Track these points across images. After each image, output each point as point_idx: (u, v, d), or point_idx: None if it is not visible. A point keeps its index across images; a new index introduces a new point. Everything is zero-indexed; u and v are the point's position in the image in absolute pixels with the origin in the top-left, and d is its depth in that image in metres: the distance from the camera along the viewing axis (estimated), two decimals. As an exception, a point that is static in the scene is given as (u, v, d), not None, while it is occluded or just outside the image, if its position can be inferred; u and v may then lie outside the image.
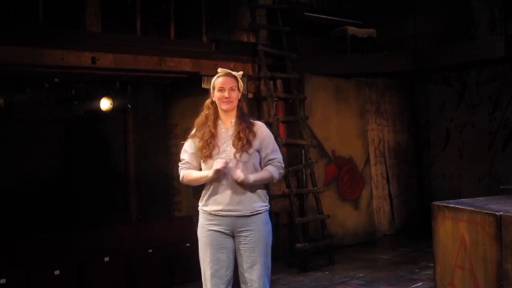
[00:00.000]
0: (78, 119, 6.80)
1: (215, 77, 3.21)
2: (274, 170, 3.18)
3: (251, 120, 3.23)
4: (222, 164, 3.00)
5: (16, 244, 5.11)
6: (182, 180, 3.24)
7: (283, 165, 3.27)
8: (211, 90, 3.21)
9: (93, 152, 6.87)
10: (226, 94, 3.12)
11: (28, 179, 6.24)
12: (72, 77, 5.95)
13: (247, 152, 3.10)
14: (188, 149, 3.22)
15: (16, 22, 5.14)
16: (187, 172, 3.20)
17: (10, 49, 4.95)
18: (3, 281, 4.59)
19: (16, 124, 6.29)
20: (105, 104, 6.58)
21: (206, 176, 3.10)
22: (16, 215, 5.99)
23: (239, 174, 3.01)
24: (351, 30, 7.75)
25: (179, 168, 3.25)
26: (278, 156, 3.23)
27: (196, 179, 3.17)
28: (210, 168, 3.08)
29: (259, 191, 3.20)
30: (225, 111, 3.16)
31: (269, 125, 6.34)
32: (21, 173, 6.21)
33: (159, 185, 6.89)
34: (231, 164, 3.05)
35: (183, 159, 3.23)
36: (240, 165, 3.09)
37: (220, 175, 3.07)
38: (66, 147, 6.84)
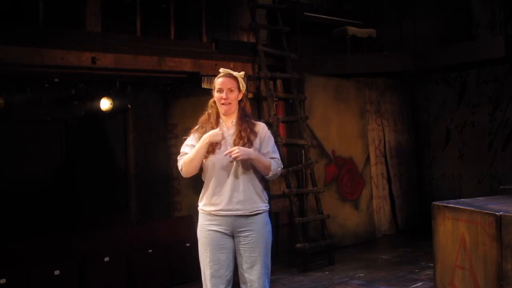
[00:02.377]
0: (78, 119, 6.79)
1: (216, 77, 3.22)
2: (274, 163, 3.16)
3: (253, 121, 3.23)
4: (218, 136, 3.03)
5: (16, 244, 5.11)
6: (181, 169, 3.15)
7: (282, 167, 3.27)
8: (213, 90, 3.22)
9: (93, 152, 6.86)
10: (223, 95, 3.12)
11: (28, 179, 6.23)
12: (72, 77, 5.95)
13: None
14: (189, 142, 3.20)
15: (16, 22, 5.14)
16: (184, 158, 3.14)
17: (10, 49, 4.95)
18: (3, 281, 4.60)
19: (16, 124, 6.28)
20: (105, 104, 6.57)
21: (200, 147, 3.05)
22: (16, 215, 5.99)
23: (240, 151, 2.99)
24: (351, 30, 7.75)
25: (178, 160, 3.19)
26: (278, 157, 3.24)
27: (192, 155, 3.08)
28: (212, 165, 3.10)
29: (259, 191, 3.19)
30: (223, 114, 3.17)
31: (269, 125, 6.35)
32: (21, 173, 6.21)
33: (159, 185, 6.88)
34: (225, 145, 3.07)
35: (182, 152, 3.19)
36: (240, 164, 3.10)
37: (220, 168, 3.08)
38: (66, 147, 6.83)
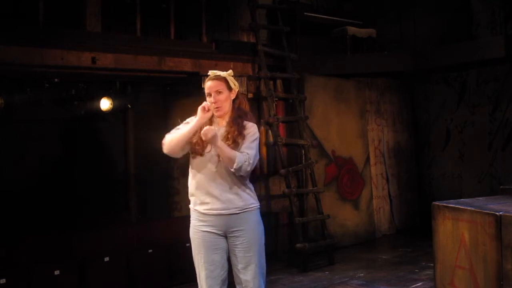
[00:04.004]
0: (78, 119, 6.79)
1: (206, 81, 3.18)
2: (240, 156, 3.01)
3: (245, 123, 3.15)
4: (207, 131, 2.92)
5: (16, 244, 5.11)
6: (164, 144, 3.07)
7: (251, 162, 3.05)
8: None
9: (93, 152, 6.86)
10: (212, 99, 3.09)
11: (28, 179, 6.23)
12: (72, 77, 5.95)
13: None
14: (182, 126, 3.16)
15: (16, 22, 5.14)
16: (174, 133, 3.07)
17: (10, 49, 4.95)
18: (3, 281, 4.60)
19: (16, 124, 6.28)
20: (105, 104, 6.56)
21: (192, 128, 3.01)
22: (16, 215, 5.99)
23: (211, 133, 2.91)
24: (351, 30, 7.75)
25: (165, 136, 3.11)
26: (251, 152, 3.07)
27: (179, 135, 3.03)
28: (200, 164, 3.08)
29: (248, 188, 3.16)
30: (218, 117, 3.15)
31: (269, 125, 6.36)
32: (21, 173, 6.20)
33: (159, 185, 6.87)
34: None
35: (175, 128, 3.14)
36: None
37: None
38: (66, 147, 6.83)
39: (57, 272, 4.91)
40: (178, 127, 3.17)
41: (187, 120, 3.21)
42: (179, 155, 3.14)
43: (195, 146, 3.08)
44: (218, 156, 3.05)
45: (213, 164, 3.08)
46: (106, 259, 5.21)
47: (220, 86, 3.11)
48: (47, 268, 4.90)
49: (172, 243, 5.71)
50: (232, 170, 3.01)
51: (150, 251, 5.51)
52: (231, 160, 2.98)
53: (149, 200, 6.91)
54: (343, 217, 7.36)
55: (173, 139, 3.06)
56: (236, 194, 3.10)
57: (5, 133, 6.09)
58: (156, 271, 5.48)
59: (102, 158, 6.91)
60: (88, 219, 6.36)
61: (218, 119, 3.17)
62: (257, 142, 3.15)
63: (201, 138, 3.03)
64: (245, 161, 3.01)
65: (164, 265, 5.55)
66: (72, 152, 6.79)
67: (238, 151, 3.03)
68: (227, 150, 2.99)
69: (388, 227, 8.19)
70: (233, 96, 3.17)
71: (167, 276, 5.55)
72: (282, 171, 6.25)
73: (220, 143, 2.99)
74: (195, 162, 3.12)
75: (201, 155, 3.08)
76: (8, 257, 4.88)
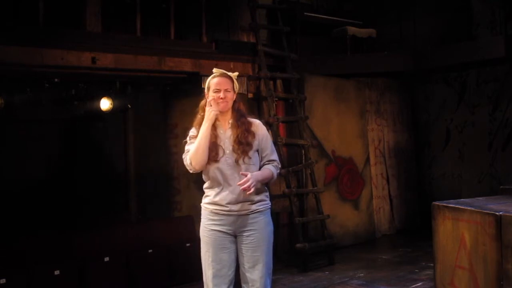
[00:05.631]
0: (78, 119, 6.81)
1: (210, 77, 3.20)
2: (274, 170, 3.21)
3: (249, 120, 3.21)
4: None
5: (16, 244, 5.11)
6: (190, 163, 3.09)
7: (280, 166, 3.34)
8: (206, 90, 3.20)
9: (93, 152, 6.87)
10: (221, 95, 3.10)
11: (28, 179, 6.25)
12: (72, 77, 5.95)
13: (248, 155, 3.10)
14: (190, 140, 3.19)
15: (16, 22, 5.14)
16: (190, 151, 3.11)
17: (10, 49, 4.95)
18: (3, 281, 4.59)
19: (16, 124, 6.29)
20: (105, 104, 6.58)
21: (204, 131, 3.04)
22: (17, 215, 6.00)
23: (248, 185, 2.97)
24: (351, 30, 7.74)
25: (184, 158, 3.16)
26: (277, 157, 3.27)
27: (197, 143, 3.05)
28: (215, 170, 3.09)
29: (261, 189, 3.20)
30: (220, 111, 3.13)
31: (269, 125, 6.36)
32: (21, 173, 6.22)
33: (159, 185, 6.89)
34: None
35: (187, 149, 3.16)
36: (243, 167, 3.09)
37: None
38: (66, 147, 6.84)
39: (57, 272, 4.91)
40: (188, 146, 3.17)
41: (191, 132, 3.20)
42: (204, 166, 3.13)
43: (210, 152, 3.09)
44: (236, 162, 3.08)
45: (228, 168, 3.09)
46: (106, 259, 5.20)
47: (229, 85, 3.16)
48: (47, 268, 4.90)
49: (172, 243, 5.72)
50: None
51: (150, 251, 5.51)
52: (271, 179, 3.20)
53: (149, 200, 6.92)
54: (343, 217, 7.36)
55: (197, 152, 3.06)
56: (251, 195, 3.11)
57: (5, 133, 6.10)
58: (156, 271, 5.48)
59: (102, 158, 6.92)
60: (88, 219, 6.37)
61: (221, 123, 3.18)
62: (272, 141, 3.32)
63: (214, 145, 3.08)
64: (277, 171, 3.25)
65: (164, 265, 5.55)
66: (72, 152, 6.80)
67: (264, 158, 3.20)
68: (266, 175, 3.16)
69: (388, 227, 8.19)
70: (234, 97, 3.21)
71: (167, 276, 5.55)
72: (282, 171, 6.24)
73: (259, 175, 3.09)
74: (210, 169, 3.12)
75: (216, 160, 3.10)
76: (8, 257, 4.88)
